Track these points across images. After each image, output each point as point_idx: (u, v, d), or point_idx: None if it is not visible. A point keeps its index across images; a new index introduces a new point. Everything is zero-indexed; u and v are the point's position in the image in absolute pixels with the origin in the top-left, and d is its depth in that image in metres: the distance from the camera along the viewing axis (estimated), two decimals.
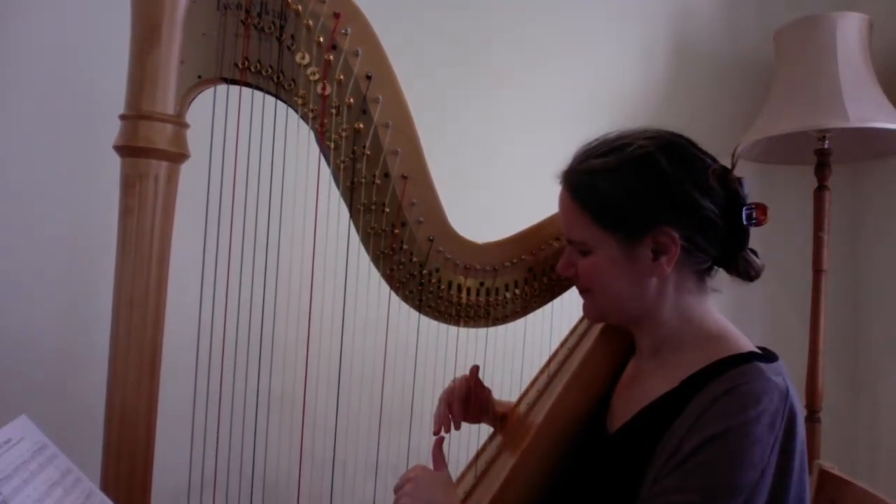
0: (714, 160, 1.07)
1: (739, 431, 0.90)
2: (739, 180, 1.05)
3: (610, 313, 1.14)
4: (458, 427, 1.32)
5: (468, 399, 1.34)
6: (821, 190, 2.06)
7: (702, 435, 0.92)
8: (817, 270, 2.05)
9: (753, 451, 0.89)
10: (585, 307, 1.17)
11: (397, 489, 1.09)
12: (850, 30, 1.95)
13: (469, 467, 1.30)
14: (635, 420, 1.07)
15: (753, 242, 1.08)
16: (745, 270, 1.08)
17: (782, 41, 2.09)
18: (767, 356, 1.01)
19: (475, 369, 1.34)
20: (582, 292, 1.16)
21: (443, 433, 1.25)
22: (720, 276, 1.11)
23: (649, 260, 1.03)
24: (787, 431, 0.92)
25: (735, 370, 0.96)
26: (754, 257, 1.08)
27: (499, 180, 2.07)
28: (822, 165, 2.06)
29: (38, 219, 1.77)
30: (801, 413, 0.97)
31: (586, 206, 1.06)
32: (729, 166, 1.07)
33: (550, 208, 1.25)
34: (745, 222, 1.04)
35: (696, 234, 1.02)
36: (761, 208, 1.04)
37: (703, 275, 1.09)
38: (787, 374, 0.99)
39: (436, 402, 1.37)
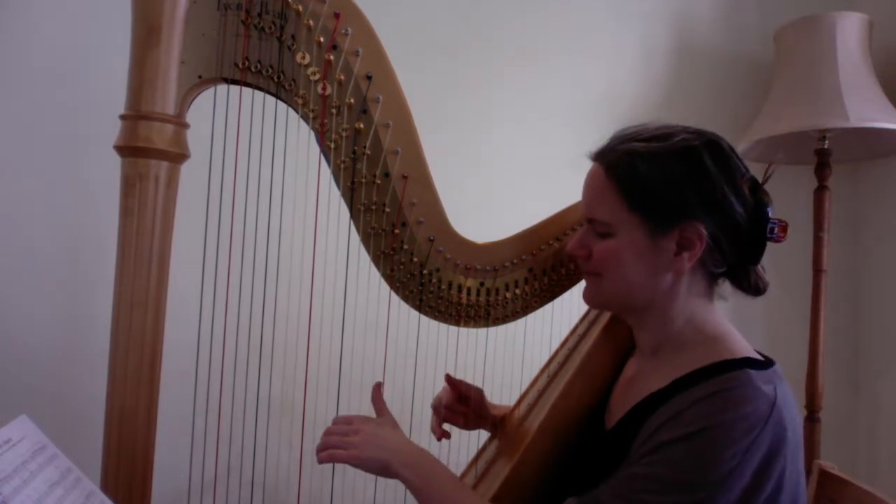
0: (748, 169, 1.07)
1: (713, 432, 0.90)
2: (768, 195, 1.06)
3: (614, 301, 1.13)
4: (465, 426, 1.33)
5: (463, 399, 1.35)
6: (821, 190, 2.07)
7: (677, 431, 0.93)
8: (817, 270, 2.05)
9: (724, 452, 0.89)
10: (588, 291, 1.15)
11: (332, 441, 1.09)
12: (850, 30, 1.95)
13: (469, 467, 1.30)
14: (627, 417, 1.07)
15: None
16: (754, 284, 1.08)
17: (782, 41, 2.09)
18: (763, 363, 1.01)
19: (447, 377, 1.36)
20: (588, 276, 1.14)
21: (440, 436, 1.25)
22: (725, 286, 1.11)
23: (671, 253, 1.03)
24: (772, 438, 0.91)
25: (724, 375, 0.96)
26: (763, 273, 1.09)
27: (499, 181, 2.07)
28: (822, 165, 2.06)
29: (38, 219, 1.77)
30: (793, 420, 0.96)
31: (622, 186, 1.05)
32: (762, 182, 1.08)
33: (550, 208, 1.26)
34: (766, 235, 1.04)
35: (721, 235, 1.02)
36: (783, 226, 1.04)
37: (713, 281, 1.09)
38: (782, 381, 0.98)
39: None
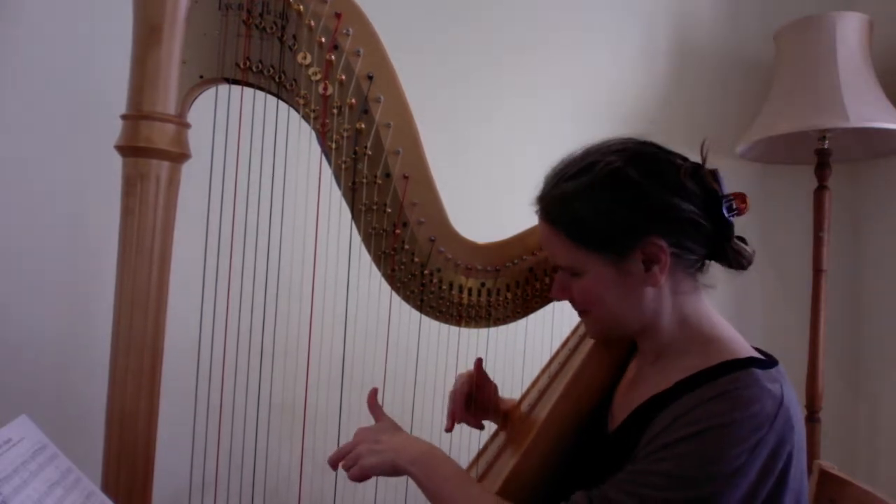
0: (685, 159, 1.05)
1: (721, 430, 0.90)
2: (713, 173, 1.04)
3: (612, 330, 1.13)
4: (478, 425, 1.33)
5: (471, 394, 1.35)
6: (821, 190, 2.07)
7: (684, 430, 0.92)
8: (817, 270, 2.05)
9: (731, 450, 0.89)
10: (587, 327, 1.17)
11: (345, 452, 1.11)
12: (850, 30, 1.96)
13: (470, 467, 1.30)
14: (629, 419, 1.07)
15: (753, 243, 1.07)
16: (736, 260, 1.06)
17: (782, 41, 2.09)
18: (766, 361, 1.00)
19: (479, 362, 1.34)
20: (580, 314, 1.15)
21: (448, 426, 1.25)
22: (713, 272, 1.10)
23: (642, 272, 1.02)
24: (778, 437, 0.91)
25: (730, 376, 0.96)
26: (743, 245, 1.06)
27: (500, 181, 2.07)
28: (822, 165, 2.06)
29: (39, 219, 1.77)
30: (799, 420, 0.96)
31: (567, 232, 1.05)
32: (702, 162, 1.05)
33: None
34: (726, 214, 1.02)
35: (682, 237, 1.01)
36: (740, 197, 1.02)
37: (695, 274, 1.08)
38: (786, 380, 0.98)
39: (436, 403, 1.36)
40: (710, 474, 0.89)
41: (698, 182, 1.03)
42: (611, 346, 1.22)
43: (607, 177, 1.01)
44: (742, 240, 1.06)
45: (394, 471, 1.07)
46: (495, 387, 1.40)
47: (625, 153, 1.03)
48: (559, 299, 1.15)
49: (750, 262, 1.07)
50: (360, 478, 1.08)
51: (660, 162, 1.03)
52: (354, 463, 1.09)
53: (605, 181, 1.01)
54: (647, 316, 1.06)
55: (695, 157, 1.06)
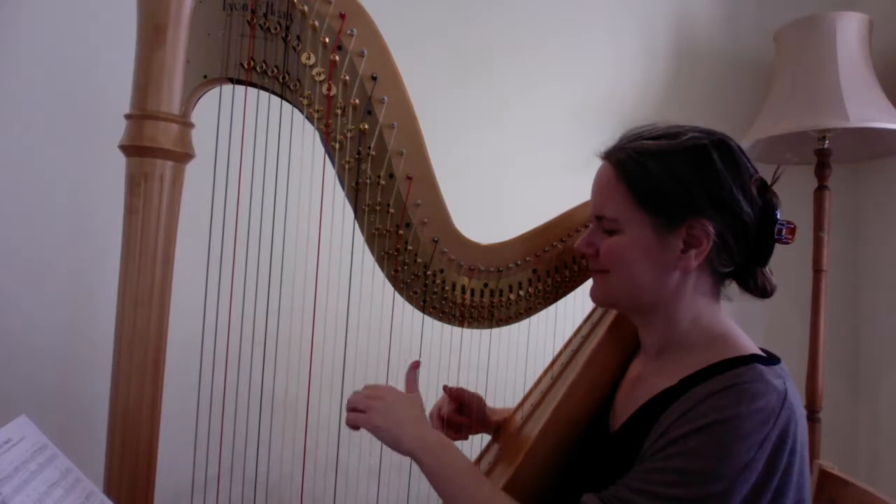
0: (756, 170, 1.07)
1: (729, 424, 0.90)
2: (776, 196, 1.06)
3: (621, 299, 1.12)
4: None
5: (463, 410, 1.35)
6: (821, 190, 2.07)
7: (691, 425, 0.93)
8: (817, 270, 2.06)
9: (740, 445, 0.90)
10: (596, 289, 1.15)
11: (357, 400, 1.12)
12: (850, 30, 1.96)
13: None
14: (633, 417, 1.07)
15: None
16: (762, 286, 1.08)
17: (782, 41, 2.09)
18: (770, 359, 1.01)
19: (445, 388, 1.35)
20: (597, 273, 1.13)
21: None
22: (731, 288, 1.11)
23: (678, 250, 1.03)
24: (781, 432, 0.92)
25: (734, 371, 0.96)
26: (770, 275, 1.09)
27: (502, 182, 2.07)
28: (822, 165, 2.06)
29: (43, 218, 1.77)
30: (801, 415, 0.97)
31: (631, 184, 1.05)
32: (771, 183, 1.07)
33: (555, 209, 1.25)
34: (774, 236, 1.04)
35: (728, 233, 1.02)
36: (791, 228, 1.04)
37: (720, 281, 1.09)
38: (789, 378, 0.99)
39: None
40: (721, 469, 0.90)
41: (763, 196, 1.05)
42: (614, 347, 1.22)
43: (690, 148, 1.03)
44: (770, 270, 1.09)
45: (396, 445, 1.07)
46: (480, 399, 1.40)
47: (712, 136, 1.05)
48: (581, 253, 1.15)
49: (772, 293, 1.10)
50: (355, 426, 1.08)
51: (740, 159, 1.05)
52: (363, 410, 1.09)
53: (686, 151, 1.03)
54: (662, 298, 1.07)
55: None
